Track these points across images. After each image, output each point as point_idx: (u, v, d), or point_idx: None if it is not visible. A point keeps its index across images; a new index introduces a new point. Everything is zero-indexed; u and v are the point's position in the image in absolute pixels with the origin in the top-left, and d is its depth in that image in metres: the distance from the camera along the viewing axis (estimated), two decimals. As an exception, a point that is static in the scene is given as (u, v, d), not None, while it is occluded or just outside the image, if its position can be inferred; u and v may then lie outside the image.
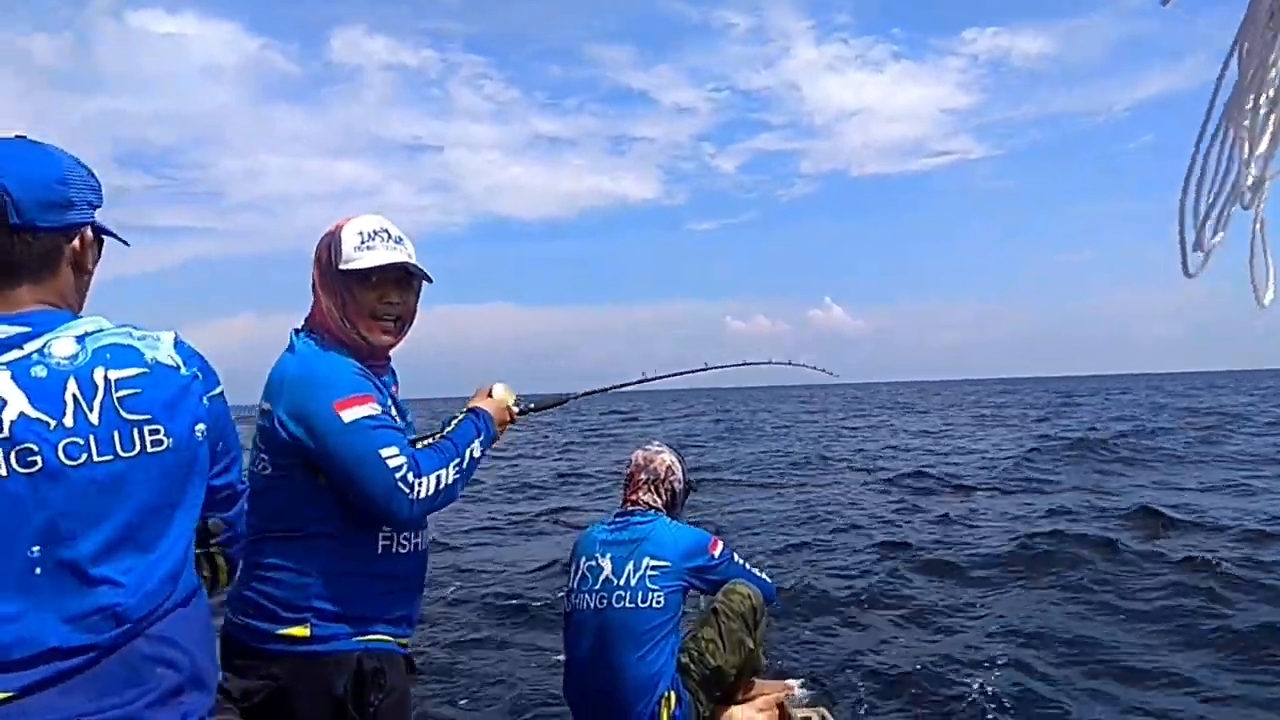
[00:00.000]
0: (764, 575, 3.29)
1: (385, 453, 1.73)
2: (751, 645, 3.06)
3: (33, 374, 1.19)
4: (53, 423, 1.18)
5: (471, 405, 2.08)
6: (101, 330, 1.28)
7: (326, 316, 1.88)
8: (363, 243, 1.85)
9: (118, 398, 1.22)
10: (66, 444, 1.18)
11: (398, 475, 1.73)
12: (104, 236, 1.38)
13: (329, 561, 1.78)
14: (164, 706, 1.23)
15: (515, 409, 2.18)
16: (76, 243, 1.31)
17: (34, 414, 1.17)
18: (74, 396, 1.20)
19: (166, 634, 1.24)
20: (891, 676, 4.37)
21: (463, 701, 4.30)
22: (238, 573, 1.64)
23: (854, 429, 25.33)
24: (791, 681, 3.86)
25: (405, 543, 1.88)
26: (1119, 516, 8.45)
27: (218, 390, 1.38)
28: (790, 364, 3.38)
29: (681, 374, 2.98)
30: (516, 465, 16.08)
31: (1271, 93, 1.02)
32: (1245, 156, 1.05)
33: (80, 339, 1.25)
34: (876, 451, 17.26)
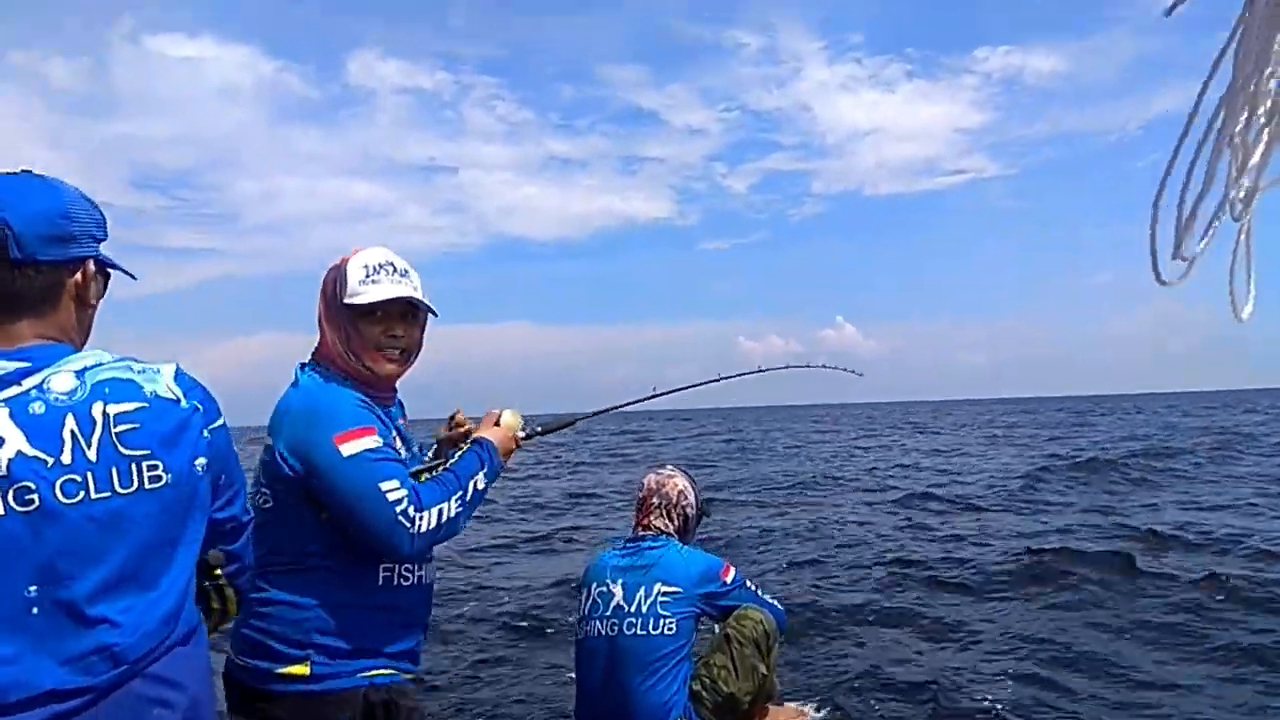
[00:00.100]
0: (776, 602, 3.25)
1: (385, 486, 1.72)
2: (765, 671, 3.03)
3: (31, 411, 1.18)
4: (50, 460, 1.17)
5: (477, 435, 2.07)
6: (101, 364, 1.27)
7: (332, 349, 1.89)
8: (368, 276, 1.85)
9: (116, 433, 1.22)
10: (64, 482, 1.17)
11: (398, 509, 1.72)
12: (110, 270, 1.38)
13: (330, 595, 1.77)
14: None
15: (522, 434, 2.17)
16: (79, 276, 1.31)
17: (32, 452, 1.16)
18: (72, 433, 1.19)
19: (164, 674, 1.23)
20: (905, 695, 4.36)
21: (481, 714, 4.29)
22: (244, 604, 1.62)
23: (865, 448, 25.25)
24: (806, 708, 3.84)
25: (408, 575, 1.87)
26: (1126, 535, 8.47)
27: (219, 422, 1.37)
28: (809, 366, 3.17)
29: (691, 387, 2.86)
30: (527, 485, 16.16)
31: (1269, 103, 0.99)
32: (1239, 166, 1.02)
33: (79, 374, 1.24)
34: (887, 471, 17.23)
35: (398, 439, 1.90)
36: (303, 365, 1.92)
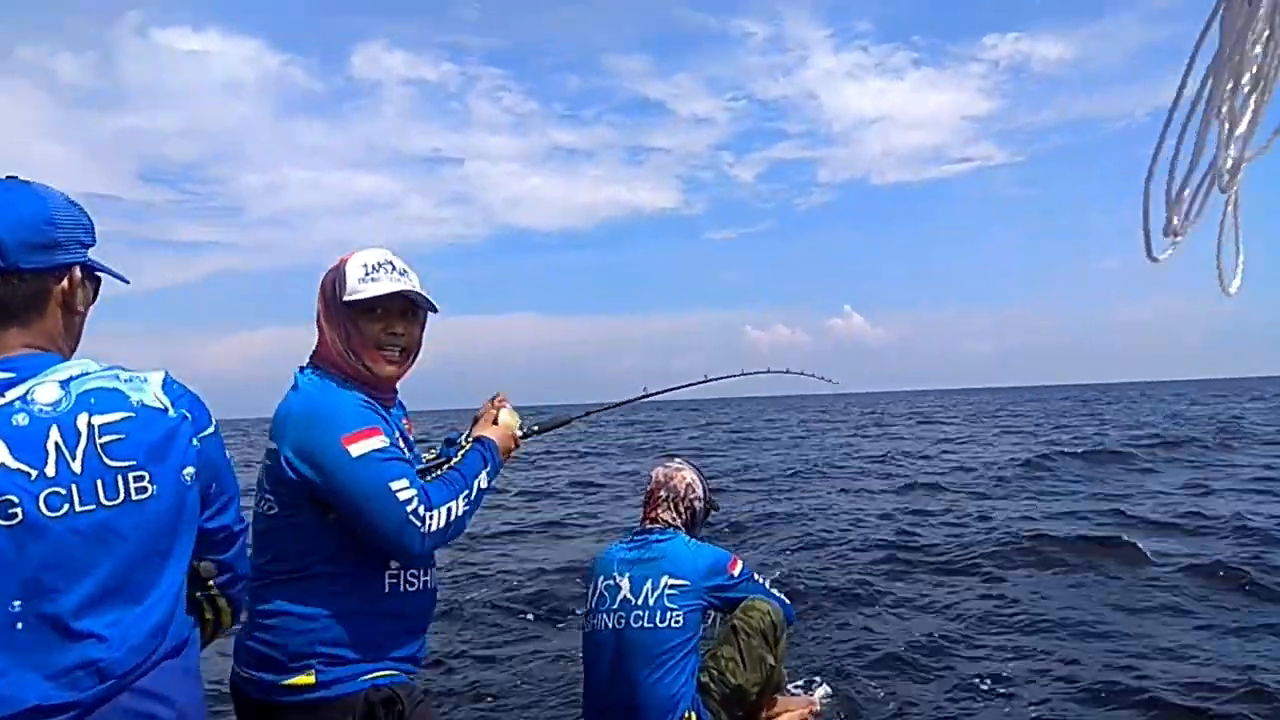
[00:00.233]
0: (783, 596, 3.26)
1: (395, 485, 1.71)
2: (773, 662, 3.03)
3: (14, 422, 1.17)
4: (34, 473, 1.15)
5: (478, 434, 2.07)
6: (87, 374, 1.25)
7: (331, 349, 1.87)
8: (367, 275, 1.85)
9: (101, 444, 1.20)
10: (48, 495, 1.15)
11: (409, 509, 1.71)
12: (100, 275, 1.36)
13: (335, 603, 1.76)
14: None
15: (519, 433, 2.18)
16: (65, 283, 1.29)
17: (14, 464, 1.14)
18: (56, 445, 1.17)
19: (152, 688, 1.22)
20: (904, 673, 4.48)
21: (484, 707, 4.31)
22: (241, 614, 1.61)
23: (870, 437, 25.37)
24: (815, 695, 3.85)
25: (413, 580, 1.86)
26: (1124, 520, 8.64)
27: (210, 430, 1.35)
28: (788, 372, 3.42)
29: (681, 387, 2.97)
30: (537, 473, 16.31)
31: (1255, 69, 0.97)
32: (1224, 137, 1.00)
33: (65, 384, 1.22)
34: (890, 458, 17.31)
35: (401, 439, 1.88)
36: (301, 368, 1.91)
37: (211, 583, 1.46)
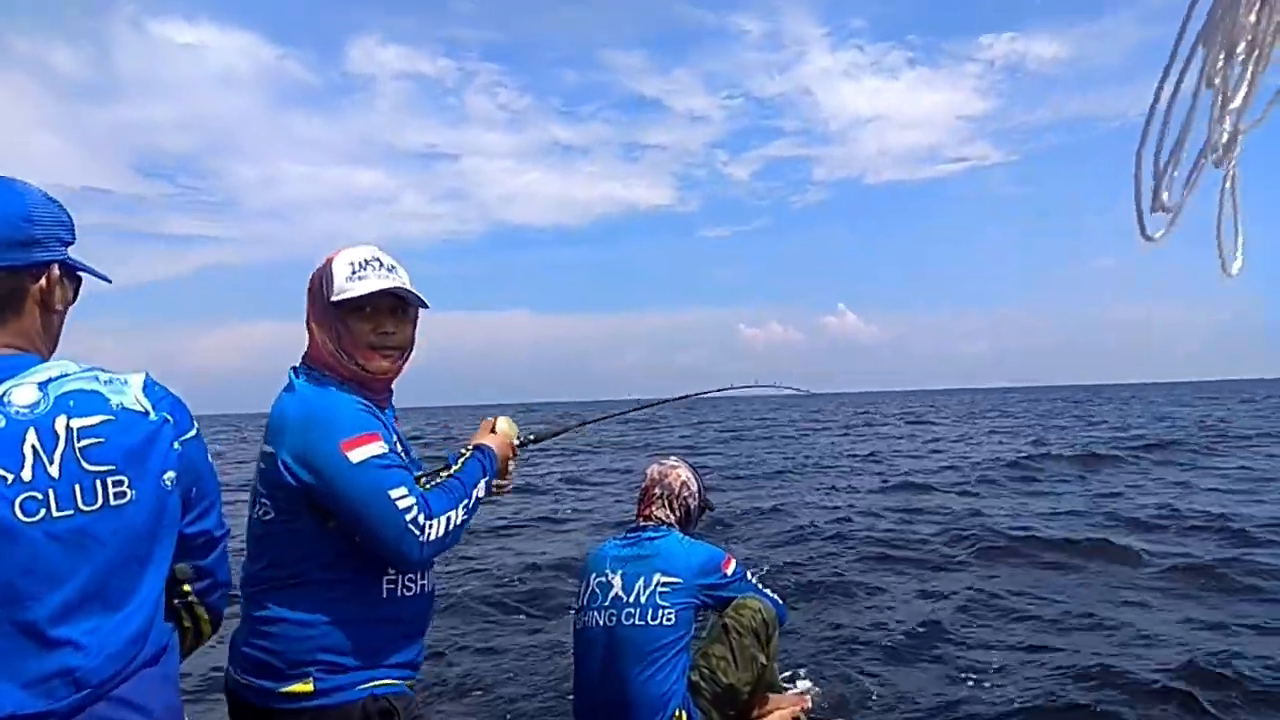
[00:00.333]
0: (776, 596, 3.25)
1: (395, 494, 1.69)
2: (764, 661, 3.01)
3: None
4: (10, 477, 1.12)
5: (477, 442, 2.05)
6: (66, 375, 1.22)
7: (323, 350, 1.84)
8: (354, 273, 1.81)
9: (80, 448, 1.17)
10: (24, 499, 1.13)
11: (408, 517, 1.70)
12: (80, 274, 1.33)
13: (333, 609, 1.74)
14: None
15: (517, 442, 2.18)
16: (43, 281, 1.26)
17: None
18: (33, 448, 1.14)
19: (130, 697, 1.19)
20: (891, 662, 4.56)
21: (474, 700, 4.33)
22: (220, 623, 1.57)
23: (862, 436, 25.52)
24: (806, 695, 3.84)
25: (411, 585, 1.84)
26: (1107, 518, 8.81)
27: (191, 434, 1.33)
28: (774, 386, 3.58)
29: (669, 401, 3.05)
30: (521, 469, 16.33)
31: (1249, 38, 0.93)
32: (1218, 110, 0.96)
33: (43, 386, 1.19)
34: (880, 457, 17.53)
35: (399, 444, 1.86)
36: (294, 368, 1.87)
37: (189, 590, 1.43)
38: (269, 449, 1.76)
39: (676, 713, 2.81)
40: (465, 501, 1.84)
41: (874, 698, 4.12)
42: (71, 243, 1.30)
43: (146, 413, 1.25)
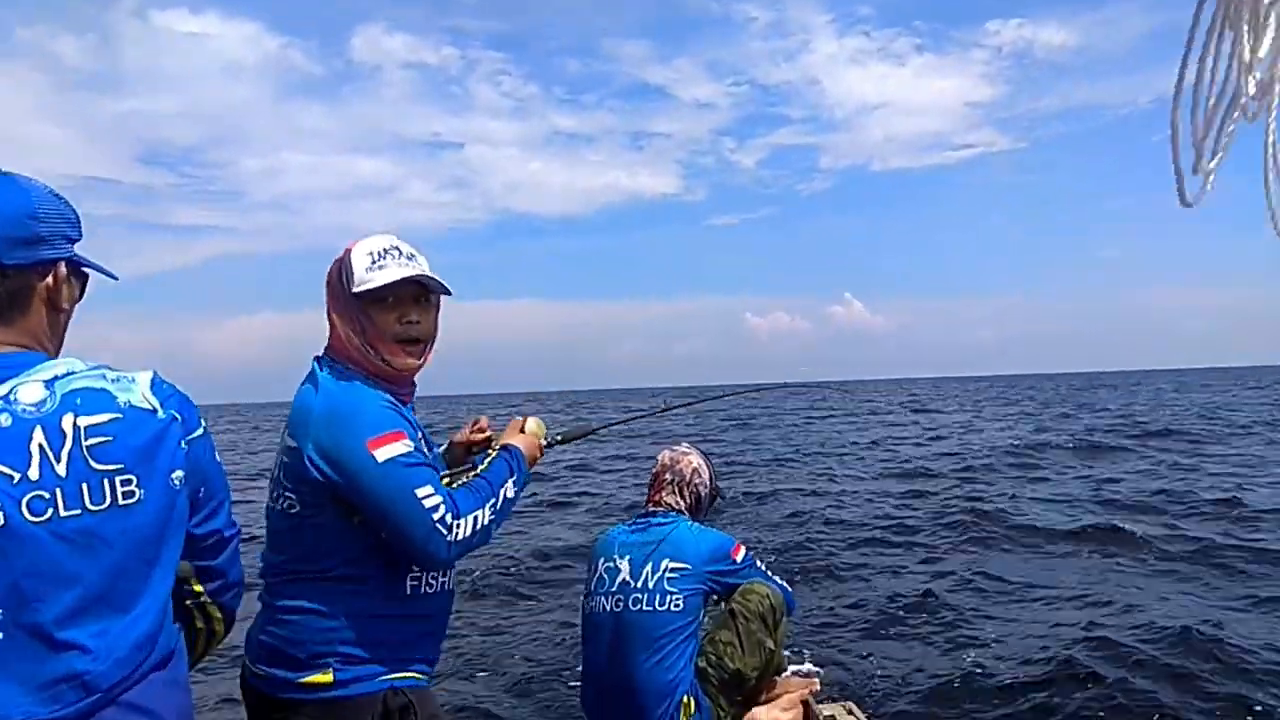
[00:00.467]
0: (785, 583, 3.22)
1: (421, 493, 1.68)
2: (772, 646, 3.00)
3: None
4: (16, 476, 1.11)
5: (505, 441, 2.03)
6: (72, 373, 1.20)
7: (346, 344, 1.81)
8: (374, 262, 1.77)
9: (87, 447, 1.15)
10: (31, 499, 1.11)
11: (435, 516, 1.68)
12: (87, 271, 1.32)
13: (356, 604, 1.72)
14: None
15: (544, 442, 2.15)
16: (50, 280, 1.24)
17: None
18: (40, 447, 1.13)
19: (139, 701, 1.17)
20: (892, 641, 4.66)
21: (481, 682, 4.37)
22: (234, 623, 1.55)
23: (867, 424, 25.62)
24: (814, 677, 3.76)
25: (433, 582, 1.83)
26: (1107, 502, 8.95)
27: (199, 432, 1.31)
28: (806, 386, 3.49)
29: (700, 401, 2.97)
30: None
31: None
32: (1245, 60, 0.90)
33: (49, 383, 1.17)
34: (884, 444, 17.65)
35: (423, 440, 1.84)
36: (317, 358, 1.84)
37: (201, 590, 1.41)
38: (293, 443, 1.73)
39: (684, 699, 2.80)
40: (493, 502, 1.81)
41: (879, 678, 4.19)
42: (78, 239, 1.29)
43: (155, 410, 1.23)
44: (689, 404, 2.95)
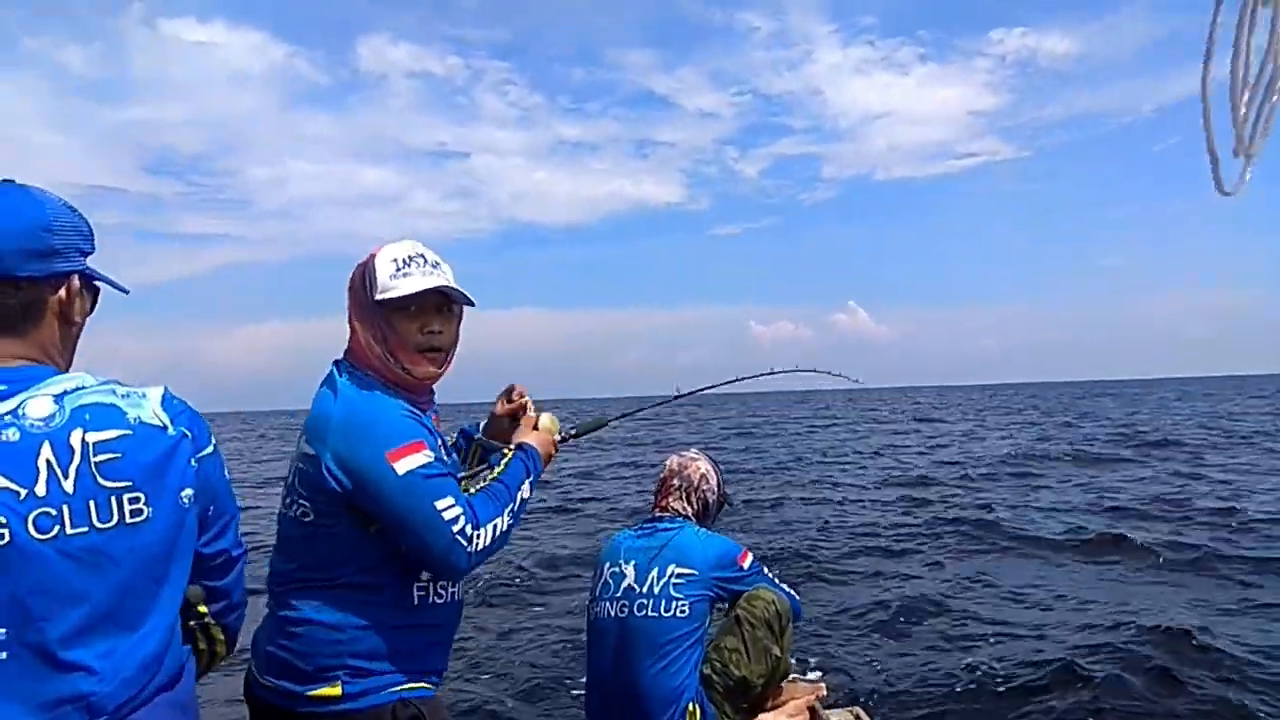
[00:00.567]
0: (792, 591, 3.21)
1: (441, 505, 1.66)
2: (778, 653, 2.98)
3: (4, 438, 1.11)
4: (23, 492, 1.09)
5: (519, 440, 2.00)
6: (83, 388, 1.19)
7: (367, 351, 1.79)
8: (398, 270, 1.76)
9: (96, 463, 1.14)
10: (37, 515, 1.09)
11: (455, 529, 1.66)
12: (98, 284, 1.31)
13: (365, 613, 1.70)
14: None
15: (558, 437, 2.14)
16: (63, 293, 1.23)
17: (3, 483, 1.09)
18: (48, 462, 1.11)
19: None
20: (898, 645, 4.72)
21: (485, 684, 4.40)
22: (236, 643, 1.53)
23: (869, 432, 25.70)
24: (820, 683, 3.75)
25: (442, 592, 1.81)
26: (1107, 510, 9.00)
27: (209, 449, 1.29)
28: (815, 371, 3.38)
29: (713, 387, 2.94)
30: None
31: None
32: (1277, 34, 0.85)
33: (59, 398, 1.16)
34: (886, 452, 17.72)
35: (443, 449, 1.83)
36: (336, 362, 1.83)
37: (205, 611, 1.39)
38: (310, 451, 1.70)
39: (689, 706, 2.78)
40: (511, 506, 1.80)
41: (885, 683, 4.22)
42: (91, 253, 1.27)
43: (165, 427, 1.22)
44: (705, 389, 2.89)
